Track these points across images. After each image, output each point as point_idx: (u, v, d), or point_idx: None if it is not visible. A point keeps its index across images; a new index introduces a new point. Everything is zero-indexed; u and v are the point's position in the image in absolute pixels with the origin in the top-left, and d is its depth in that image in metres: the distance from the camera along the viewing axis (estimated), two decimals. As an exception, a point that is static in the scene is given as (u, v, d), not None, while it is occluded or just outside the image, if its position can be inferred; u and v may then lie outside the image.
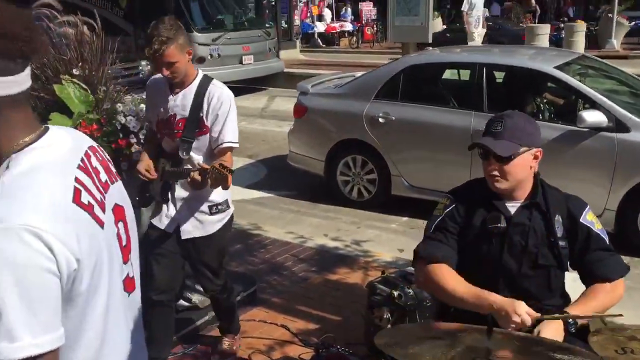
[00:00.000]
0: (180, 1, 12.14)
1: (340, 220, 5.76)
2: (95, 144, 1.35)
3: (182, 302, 3.67)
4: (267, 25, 14.11)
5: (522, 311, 2.00)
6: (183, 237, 2.96)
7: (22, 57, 1.10)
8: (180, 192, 2.95)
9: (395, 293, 3.13)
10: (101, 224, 1.21)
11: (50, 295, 1.09)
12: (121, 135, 3.25)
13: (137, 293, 1.43)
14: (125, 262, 1.33)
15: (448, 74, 6.52)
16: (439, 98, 5.78)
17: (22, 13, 1.11)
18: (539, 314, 2.03)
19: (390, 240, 5.24)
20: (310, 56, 19.52)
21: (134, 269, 1.40)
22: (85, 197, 1.17)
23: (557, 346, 1.56)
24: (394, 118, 5.72)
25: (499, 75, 5.94)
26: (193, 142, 2.88)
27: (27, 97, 1.16)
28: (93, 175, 1.24)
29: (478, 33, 13.33)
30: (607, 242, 2.26)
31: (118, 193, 1.34)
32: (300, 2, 23.13)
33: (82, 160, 1.23)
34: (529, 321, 2.00)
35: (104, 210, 1.23)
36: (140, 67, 8.87)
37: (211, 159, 2.89)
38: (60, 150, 1.19)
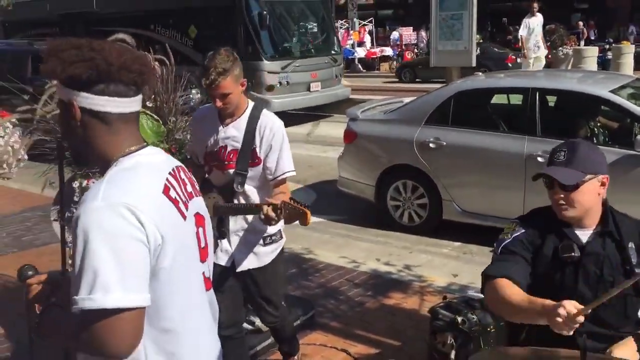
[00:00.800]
0: (250, 29, 12.13)
1: (392, 245, 5.78)
2: (183, 166, 1.64)
3: (245, 325, 3.74)
4: (333, 52, 13.99)
5: (569, 305, 1.91)
6: (238, 270, 2.94)
7: (135, 86, 1.47)
8: (235, 226, 2.92)
9: (459, 319, 3.14)
10: (184, 217, 1.48)
11: (141, 260, 1.33)
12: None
13: (213, 294, 1.66)
14: (202, 262, 1.57)
15: (497, 99, 6.53)
16: (490, 123, 5.80)
17: (138, 54, 1.54)
18: (583, 306, 1.92)
19: (443, 265, 5.23)
20: (351, 81, 19.68)
21: (210, 272, 1.63)
22: (172, 193, 1.46)
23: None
24: (444, 143, 5.75)
25: (551, 100, 5.93)
26: (247, 174, 2.85)
27: (136, 118, 1.52)
28: (180, 183, 1.53)
29: (536, 57, 13.19)
30: None
31: (200, 205, 1.62)
32: (341, 28, 23.44)
33: (173, 170, 1.53)
34: (573, 310, 1.90)
35: (187, 209, 1.50)
36: (191, 96, 9.12)
37: (265, 190, 2.88)
38: (157, 159, 1.52)
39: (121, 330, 1.30)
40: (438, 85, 7.83)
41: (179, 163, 1.61)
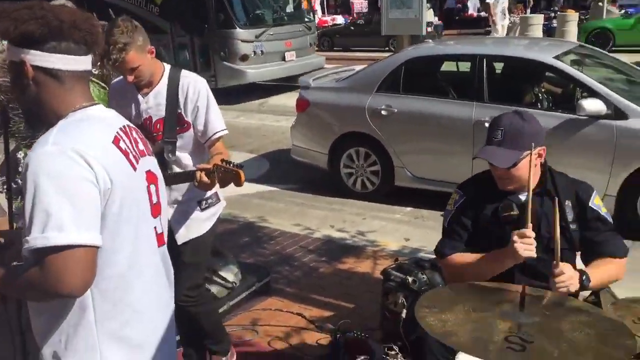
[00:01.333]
0: None
1: (345, 212, 5.87)
2: (134, 127, 1.67)
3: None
4: (306, 19, 13.42)
5: (514, 232, 2.12)
6: (180, 242, 2.77)
7: (85, 45, 1.50)
8: (169, 198, 2.70)
9: (410, 279, 3.25)
10: (134, 168, 1.52)
11: (92, 200, 1.37)
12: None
13: (166, 252, 1.69)
14: (154, 217, 1.60)
15: (446, 67, 6.63)
16: (440, 90, 5.89)
17: (87, 14, 1.55)
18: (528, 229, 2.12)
19: (395, 230, 5.35)
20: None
21: (163, 228, 1.67)
22: (123, 145, 1.51)
23: (585, 310, 1.67)
24: (396, 110, 5.82)
25: (499, 66, 6.06)
26: (176, 141, 2.71)
27: (87, 77, 1.55)
28: (131, 139, 1.57)
29: (502, 25, 13.36)
30: (612, 224, 2.38)
31: (153, 165, 1.66)
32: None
33: (124, 126, 1.58)
34: (522, 232, 2.10)
35: (137, 163, 1.54)
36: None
37: (200, 154, 2.77)
38: (107, 115, 1.56)
39: (75, 267, 1.32)
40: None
41: (130, 123, 1.65)
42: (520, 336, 1.47)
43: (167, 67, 2.74)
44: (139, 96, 2.71)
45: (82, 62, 1.51)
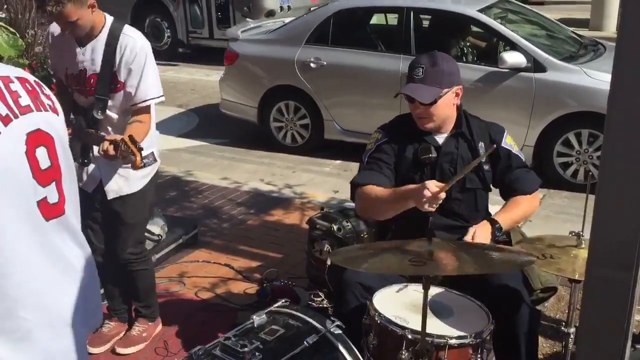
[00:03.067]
0: None
1: (275, 166, 5.87)
2: (28, 77, 1.40)
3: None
4: None
5: (431, 184, 2.12)
6: (110, 197, 2.73)
7: None
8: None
9: (335, 227, 3.29)
10: None
11: None
12: (54, 80, 3.17)
13: (65, 220, 1.40)
14: (43, 184, 1.33)
15: (375, 19, 6.63)
16: (368, 42, 5.90)
17: None
18: (444, 184, 2.12)
19: (325, 183, 5.40)
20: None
21: (61, 196, 1.39)
22: None
23: (491, 246, 1.75)
24: (325, 63, 5.79)
25: (426, 19, 6.11)
26: (108, 100, 2.62)
27: None
28: (5, 95, 1.29)
29: None
30: (524, 160, 2.51)
31: (46, 122, 1.36)
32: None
33: None
34: (435, 189, 2.09)
35: (5, 124, 1.25)
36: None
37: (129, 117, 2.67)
38: None
39: None
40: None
41: (19, 74, 1.39)
42: (424, 258, 1.53)
43: (110, 19, 2.61)
44: (77, 47, 2.59)
45: None
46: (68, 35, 2.57)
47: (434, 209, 2.13)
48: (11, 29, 3.04)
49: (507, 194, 2.47)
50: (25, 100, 1.33)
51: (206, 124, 7.18)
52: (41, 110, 1.37)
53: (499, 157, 2.45)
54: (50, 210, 1.36)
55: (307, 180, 5.44)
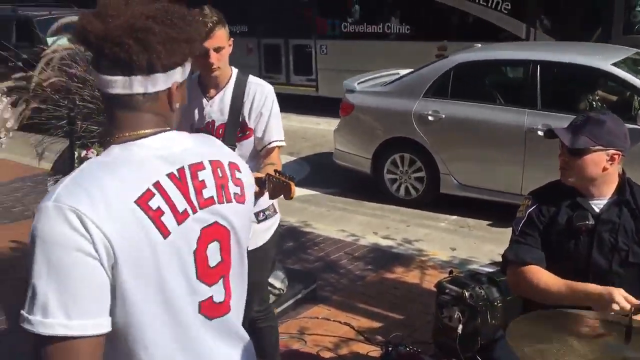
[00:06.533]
0: None
1: (389, 218, 5.75)
2: (226, 159, 1.32)
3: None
4: None
5: (620, 297, 1.94)
6: None
7: (120, 61, 1.16)
8: None
9: (467, 293, 3.12)
10: (164, 233, 1.15)
11: (88, 277, 1.06)
12: None
13: (228, 321, 1.31)
14: (209, 284, 1.24)
15: (497, 72, 6.46)
16: (490, 96, 5.74)
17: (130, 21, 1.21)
18: (638, 301, 1.97)
19: (441, 239, 5.22)
20: None
21: (226, 295, 1.30)
22: (155, 202, 1.15)
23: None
24: (443, 116, 5.68)
25: (553, 73, 5.86)
26: (235, 148, 2.60)
27: (135, 101, 1.20)
28: (189, 187, 1.21)
29: None
30: None
31: (226, 215, 1.27)
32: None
33: (180, 169, 1.21)
34: (627, 306, 1.92)
35: (178, 223, 1.17)
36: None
37: (257, 162, 2.66)
38: (158, 153, 1.20)
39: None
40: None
41: (216, 157, 1.28)
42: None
43: (235, 71, 2.66)
44: (204, 99, 2.63)
45: (118, 84, 1.18)
46: (194, 88, 2.59)
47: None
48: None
49: None
50: (209, 191, 1.24)
51: (318, 172, 7.22)
52: (223, 202, 1.27)
53: None
54: (215, 309, 1.27)
55: (424, 236, 5.27)
